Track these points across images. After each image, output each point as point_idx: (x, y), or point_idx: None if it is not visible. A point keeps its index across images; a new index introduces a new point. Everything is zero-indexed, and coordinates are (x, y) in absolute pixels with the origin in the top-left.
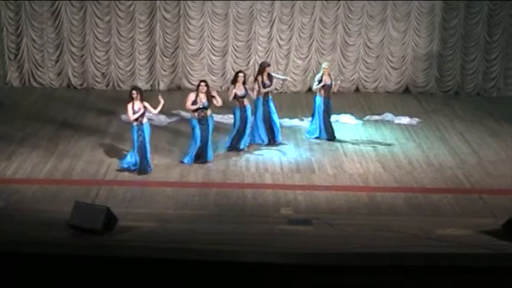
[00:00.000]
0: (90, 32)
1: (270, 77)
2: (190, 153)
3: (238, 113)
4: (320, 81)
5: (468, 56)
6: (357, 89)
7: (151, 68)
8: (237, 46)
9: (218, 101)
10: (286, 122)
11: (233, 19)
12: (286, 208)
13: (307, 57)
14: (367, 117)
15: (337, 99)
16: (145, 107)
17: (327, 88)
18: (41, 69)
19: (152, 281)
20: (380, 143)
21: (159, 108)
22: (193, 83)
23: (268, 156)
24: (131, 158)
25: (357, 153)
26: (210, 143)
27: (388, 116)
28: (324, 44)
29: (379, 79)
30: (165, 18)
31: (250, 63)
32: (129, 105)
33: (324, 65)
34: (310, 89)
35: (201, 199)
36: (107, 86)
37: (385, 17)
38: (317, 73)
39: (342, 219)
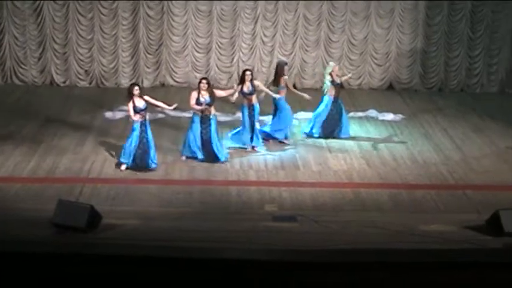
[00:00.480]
0: (72, 29)
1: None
2: (186, 145)
3: (246, 111)
4: (332, 81)
5: (451, 53)
6: (341, 86)
7: (135, 65)
8: (220, 43)
9: (233, 97)
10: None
11: (217, 16)
12: (271, 205)
13: (291, 54)
14: (351, 113)
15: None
16: (147, 101)
17: (337, 88)
18: (23, 66)
19: (136, 279)
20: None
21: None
22: (178, 80)
23: (253, 153)
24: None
25: (342, 149)
26: (217, 143)
27: (372, 112)
28: (308, 41)
29: (363, 76)
30: (149, 16)
31: (234, 60)
32: (130, 104)
33: (332, 64)
34: (294, 86)
35: (185, 196)
36: (90, 83)
37: (369, 13)
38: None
39: (327, 215)
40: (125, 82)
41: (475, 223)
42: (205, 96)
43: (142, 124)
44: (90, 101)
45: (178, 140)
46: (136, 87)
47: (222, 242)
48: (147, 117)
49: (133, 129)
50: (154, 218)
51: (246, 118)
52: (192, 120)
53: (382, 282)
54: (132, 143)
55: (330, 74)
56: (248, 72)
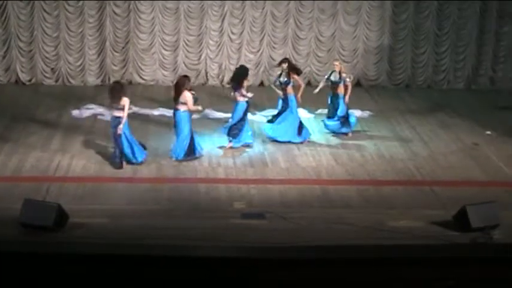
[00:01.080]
0: (38, 27)
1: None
2: (183, 148)
3: (243, 107)
4: (328, 78)
5: (418, 49)
6: (309, 83)
7: (102, 63)
8: (188, 41)
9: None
10: None
11: (184, 13)
12: (240, 202)
13: (258, 51)
14: (319, 110)
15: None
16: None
17: (333, 85)
18: None
19: (105, 277)
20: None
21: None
22: (145, 78)
23: (221, 150)
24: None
25: (310, 146)
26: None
27: None
28: (276, 38)
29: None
30: (115, 13)
31: (202, 57)
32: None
33: (336, 63)
34: (262, 83)
35: (153, 194)
36: (57, 81)
37: (336, 10)
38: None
39: (295, 212)
40: (91, 80)
41: (442, 219)
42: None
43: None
44: (56, 99)
45: (145, 137)
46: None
47: (191, 239)
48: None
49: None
50: (123, 216)
51: (242, 115)
52: (187, 121)
53: (350, 278)
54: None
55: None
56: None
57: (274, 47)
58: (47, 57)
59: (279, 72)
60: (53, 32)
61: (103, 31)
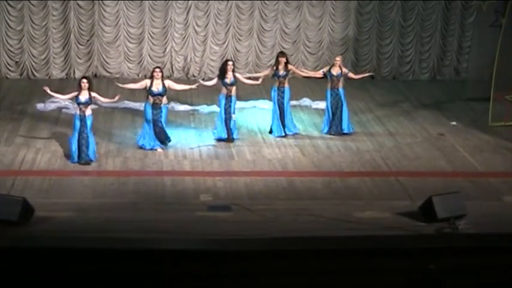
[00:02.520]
0: (1, 19)
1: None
2: (142, 134)
3: (223, 101)
4: (327, 72)
5: (383, 41)
6: (273, 75)
7: (66, 56)
8: (153, 33)
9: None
10: (205, 108)
11: (149, 6)
12: (206, 195)
13: (224, 43)
14: (316, 103)
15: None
16: (93, 97)
17: (334, 79)
18: None
19: (70, 271)
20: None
21: (109, 99)
22: (110, 71)
23: (187, 143)
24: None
25: (276, 138)
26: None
27: (306, 101)
28: (241, 30)
29: (296, 64)
30: (79, 6)
31: (167, 50)
32: (74, 93)
33: (338, 58)
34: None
35: (119, 187)
36: (21, 75)
37: (301, 2)
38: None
39: (261, 204)
40: (56, 73)
41: (408, 209)
42: (158, 86)
43: (83, 119)
44: (21, 93)
45: (110, 131)
46: (84, 80)
47: (157, 232)
48: (89, 112)
49: (73, 124)
50: (88, 209)
51: (222, 109)
52: (144, 110)
53: (316, 270)
54: (71, 139)
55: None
56: (230, 63)
57: (239, 39)
58: (11, 51)
59: (275, 67)
60: (16, 25)
61: (67, 24)
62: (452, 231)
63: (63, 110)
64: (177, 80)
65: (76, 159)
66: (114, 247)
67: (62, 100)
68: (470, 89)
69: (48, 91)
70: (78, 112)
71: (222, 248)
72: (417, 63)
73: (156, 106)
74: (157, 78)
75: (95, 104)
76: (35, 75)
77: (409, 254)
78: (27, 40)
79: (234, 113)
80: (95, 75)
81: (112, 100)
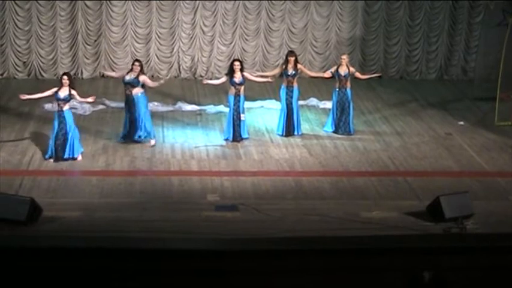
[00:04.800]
0: (9, 20)
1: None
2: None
3: (232, 101)
4: (334, 72)
5: (391, 40)
6: (281, 75)
7: (74, 56)
8: (160, 33)
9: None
10: (212, 108)
11: (156, 6)
12: (213, 194)
13: (231, 43)
14: (323, 102)
15: (261, 85)
16: (71, 95)
17: (342, 79)
18: None
19: (78, 271)
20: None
21: (87, 99)
22: (117, 71)
23: (194, 143)
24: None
25: (283, 138)
26: (140, 121)
27: (313, 100)
28: (248, 30)
29: (303, 64)
30: (87, 6)
31: (174, 50)
32: (54, 89)
33: (344, 56)
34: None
35: (126, 187)
36: (29, 75)
37: (308, 2)
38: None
39: (269, 204)
40: None
41: (415, 209)
42: (131, 75)
43: (61, 115)
44: (28, 93)
45: (118, 131)
46: (65, 77)
47: (164, 232)
48: (66, 107)
49: (53, 120)
50: (96, 209)
51: (231, 108)
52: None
53: (323, 269)
54: (51, 134)
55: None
56: (237, 63)
57: (246, 39)
58: (18, 51)
59: (284, 66)
60: (24, 26)
61: (75, 24)
62: (460, 231)
63: (72, 110)
64: (184, 80)
65: (50, 155)
66: (122, 247)
67: (43, 97)
68: (477, 88)
69: (26, 97)
70: (56, 108)
71: (229, 248)
72: (424, 63)
73: (127, 96)
74: (135, 71)
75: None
76: (42, 76)
77: (417, 254)
78: (35, 40)
79: (243, 112)
80: (102, 75)
81: (86, 100)
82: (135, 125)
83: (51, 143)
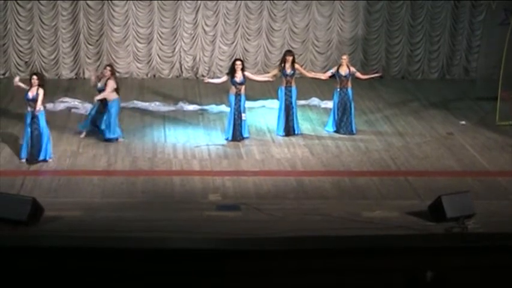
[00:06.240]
0: (11, 20)
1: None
2: (85, 121)
3: (233, 100)
4: (335, 72)
5: (392, 40)
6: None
7: (76, 56)
8: (162, 33)
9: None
10: (214, 108)
11: (157, 5)
12: (215, 194)
13: (232, 43)
14: (325, 102)
15: (262, 85)
16: (38, 94)
17: (343, 79)
18: None
19: (80, 271)
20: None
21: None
22: (119, 70)
23: (196, 142)
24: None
25: (284, 138)
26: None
27: (315, 100)
28: (250, 30)
29: (304, 64)
30: (89, 6)
31: (176, 49)
32: (26, 87)
33: (344, 56)
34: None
35: (128, 187)
36: (31, 75)
37: (310, 2)
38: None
39: (270, 204)
40: (65, 73)
41: (417, 209)
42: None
43: (34, 116)
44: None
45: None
46: (35, 77)
47: (166, 231)
48: (39, 108)
49: (25, 121)
50: (97, 208)
51: (232, 108)
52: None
53: (325, 269)
54: (24, 135)
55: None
56: (238, 62)
57: (248, 39)
58: (20, 51)
59: (282, 65)
60: (26, 26)
61: (77, 24)
62: (462, 230)
63: (72, 110)
64: (186, 80)
65: (23, 156)
66: (123, 246)
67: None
68: (479, 88)
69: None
70: (28, 109)
71: (230, 247)
72: (426, 63)
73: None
74: (105, 76)
75: None
76: (44, 75)
77: (418, 253)
78: (37, 40)
79: (244, 112)
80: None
81: (42, 104)
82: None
83: (24, 144)
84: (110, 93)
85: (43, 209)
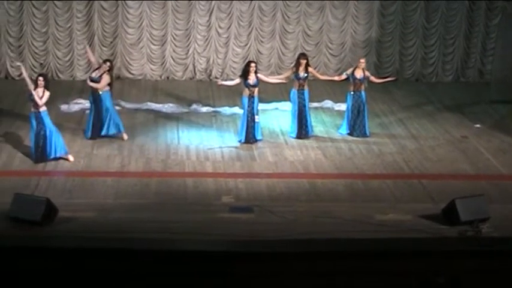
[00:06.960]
0: (27, 22)
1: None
2: (88, 126)
3: (246, 102)
4: (350, 74)
5: (406, 43)
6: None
7: None
8: (176, 35)
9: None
10: (227, 110)
11: (172, 8)
12: (228, 196)
13: (246, 45)
14: (338, 104)
15: (275, 87)
16: (44, 95)
17: (357, 83)
18: None
19: (93, 271)
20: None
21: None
22: (133, 72)
23: (209, 144)
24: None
25: (298, 140)
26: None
27: (328, 103)
28: (263, 32)
29: (318, 66)
30: (103, 8)
31: (190, 52)
32: (32, 86)
33: (362, 60)
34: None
35: (141, 188)
36: None
37: (324, 4)
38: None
39: (283, 206)
40: (80, 75)
41: (431, 212)
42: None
43: (38, 116)
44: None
45: (133, 132)
46: (41, 78)
47: (179, 233)
48: (43, 108)
49: (30, 121)
50: (111, 210)
51: (245, 110)
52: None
53: (337, 272)
54: (30, 136)
55: (356, 68)
56: (253, 64)
57: (261, 41)
58: (36, 52)
59: (295, 68)
60: (41, 27)
61: (91, 26)
62: (476, 234)
63: (87, 112)
64: (199, 82)
65: (34, 157)
66: (136, 247)
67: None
68: (494, 91)
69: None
70: (32, 110)
71: (243, 249)
72: (441, 65)
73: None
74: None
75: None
76: (59, 77)
77: (432, 257)
78: (52, 42)
79: (257, 114)
80: (118, 76)
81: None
82: (101, 121)
83: (32, 145)
84: (103, 85)
85: (57, 210)
